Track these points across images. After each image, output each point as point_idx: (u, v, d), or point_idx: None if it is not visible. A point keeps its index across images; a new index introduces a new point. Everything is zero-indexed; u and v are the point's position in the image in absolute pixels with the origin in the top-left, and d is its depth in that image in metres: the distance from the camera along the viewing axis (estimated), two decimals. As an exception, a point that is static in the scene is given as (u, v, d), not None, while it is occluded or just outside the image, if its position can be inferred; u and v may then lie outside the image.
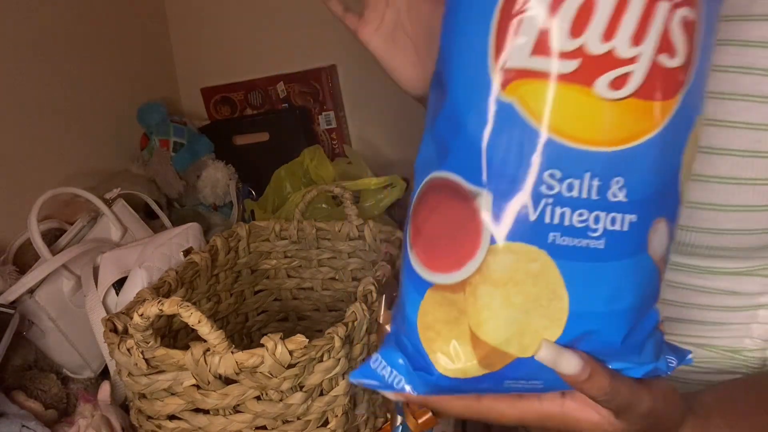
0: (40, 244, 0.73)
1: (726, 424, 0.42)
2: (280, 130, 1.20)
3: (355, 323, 0.58)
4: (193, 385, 0.54)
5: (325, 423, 0.58)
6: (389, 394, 0.36)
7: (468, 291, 0.32)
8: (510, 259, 0.30)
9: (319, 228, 0.84)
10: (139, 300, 0.63)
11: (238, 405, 0.55)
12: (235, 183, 1.14)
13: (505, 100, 0.29)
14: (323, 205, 0.99)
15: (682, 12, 0.29)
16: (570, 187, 0.29)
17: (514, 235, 0.30)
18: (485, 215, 0.30)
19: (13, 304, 0.68)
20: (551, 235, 0.30)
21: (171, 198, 1.08)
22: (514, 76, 0.29)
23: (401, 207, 1.03)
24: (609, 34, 0.28)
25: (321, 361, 0.55)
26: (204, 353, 0.52)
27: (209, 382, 0.53)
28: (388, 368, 0.35)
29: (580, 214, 0.30)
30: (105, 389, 0.68)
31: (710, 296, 0.49)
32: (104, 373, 0.76)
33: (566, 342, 0.32)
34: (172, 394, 0.56)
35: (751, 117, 0.40)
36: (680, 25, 0.29)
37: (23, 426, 0.60)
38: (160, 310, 0.50)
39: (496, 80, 0.29)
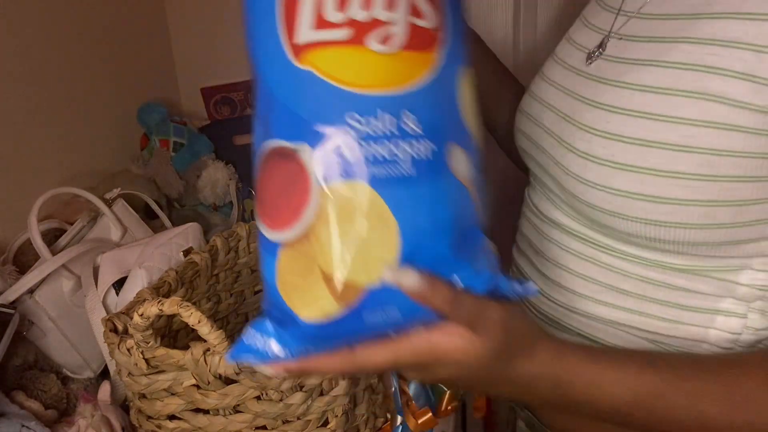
0: (40, 244, 0.73)
1: (582, 349, 0.44)
2: (280, 130, 1.20)
3: (355, 323, 0.58)
4: (193, 385, 0.54)
5: (325, 423, 0.58)
6: (267, 369, 0.38)
7: (312, 238, 0.35)
8: (338, 198, 0.35)
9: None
10: (139, 300, 0.63)
11: (238, 405, 0.55)
12: (235, 183, 1.14)
13: (303, 68, 0.35)
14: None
15: None
16: (371, 125, 0.35)
17: (337, 176, 0.35)
18: (309, 165, 0.35)
19: (13, 304, 0.68)
20: (368, 169, 0.35)
21: (171, 198, 1.08)
22: (305, 48, 0.35)
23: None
24: (367, 4, 0.35)
25: (321, 361, 0.55)
26: (204, 353, 0.52)
27: (209, 382, 0.53)
28: (259, 336, 0.38)
29: (387, 147, 0.35)
30: (105, 389, 0.68)
31: (667, 292, 0.48)
32: (104, 373, 0.76)
33: (404, 261, 0.36)
34: (172, 394, 0.56)
35: (687, 113, 0.41)
36: None
37: (23, 426, 0.60)
38: (160, 310, 0.51)
39: (291, 54, 0.36)
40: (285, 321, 0.37)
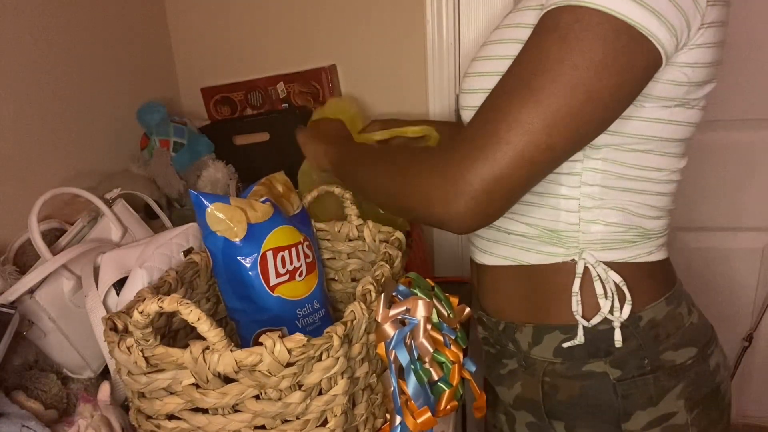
0: (40, 244, 0.73)
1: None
2: (280, 130, 1.20)
3: (354, 322, 0.58)
4: (192, 384, 0.54)
5: (324, 423, 0.58)
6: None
7: None
8: None
9: (319, 228, 0.84)
10: (140, 299, 0.63)
11: (237, 404, 0.55)
12: (235, 183, 1.14)
13: (275, 295, 0.71)
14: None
15: None
16: (306, 310, 0.75)
17: None
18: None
19: (13, 304, 0.68)
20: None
21: (171, 198, 1.08)
22: (274, 287, 0.71)
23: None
24: (291, 265, 0.72)
25: (320, 360, 0.55)
26: (203, 351, 0.52)
27: (208, 381, 0.53)
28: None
29: (313, 317, 0.76)
30: (105, 389, 0.68)
31: None
32: (104, 373, 0.76)
33: None
34: (171, 393, 0.56)
35: (498, 52, 0.66)
36: None
37: (23, 426, 0.60)
38: (160, 307, 0.51)
39: (269, 290, 0.71)
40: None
